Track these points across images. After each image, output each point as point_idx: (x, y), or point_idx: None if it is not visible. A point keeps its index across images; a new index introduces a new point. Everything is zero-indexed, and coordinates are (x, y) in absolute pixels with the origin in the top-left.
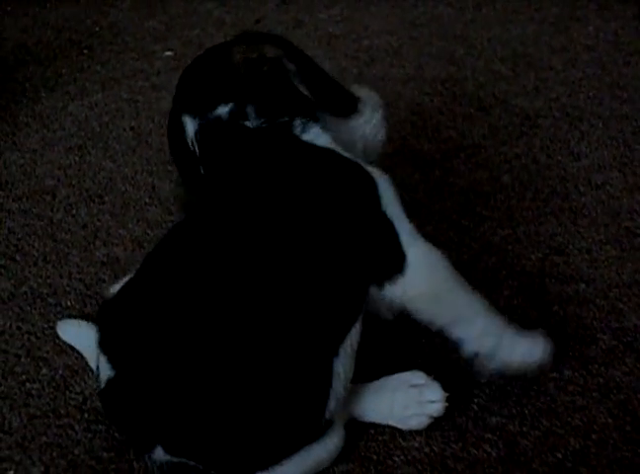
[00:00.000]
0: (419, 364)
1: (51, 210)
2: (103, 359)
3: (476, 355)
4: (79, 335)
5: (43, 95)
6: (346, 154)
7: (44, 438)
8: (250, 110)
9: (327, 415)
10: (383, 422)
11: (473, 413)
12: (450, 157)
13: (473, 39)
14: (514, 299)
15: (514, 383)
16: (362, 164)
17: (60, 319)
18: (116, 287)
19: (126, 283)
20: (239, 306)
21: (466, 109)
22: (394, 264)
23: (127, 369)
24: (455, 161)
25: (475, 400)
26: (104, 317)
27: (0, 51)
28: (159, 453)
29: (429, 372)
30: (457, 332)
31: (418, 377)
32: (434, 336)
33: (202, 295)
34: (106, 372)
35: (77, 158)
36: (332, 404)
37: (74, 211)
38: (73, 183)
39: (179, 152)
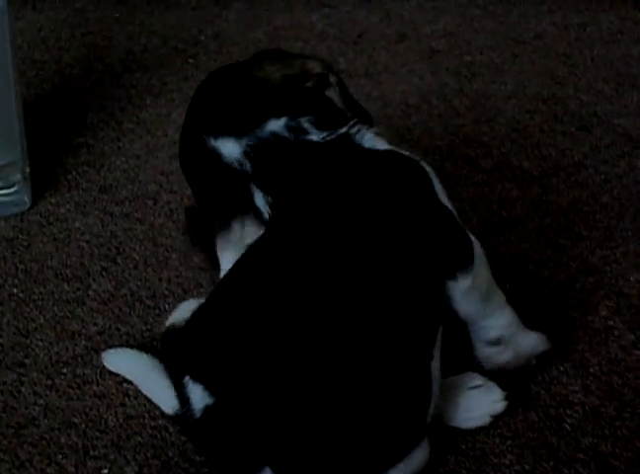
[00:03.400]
0: (468, 367)
1: (153, 215)
2: (197, 388)
3: (498, 341)
4: (129, 364)
5: (148, 102)
6: (404, 152)
7: (139, 439)
8: (307, 123)
9: (428, 419)
10: (446, 423)
11: (565, 432)
12: (550, 175)
13: (576, 58)
14: (610, 320)
15: (607, 404)
16: (417, 158)
17: (113, 346)
18: (176, 317)
19: (203, 306)
20: (336, 319)
21: (567, 127)
22: (465, 254)
23: (231, 395)
24: (555, 179)
25: (567, 420)
26: (182, 346)
27: (107, 58)
28: None
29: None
30: (488, 321)
31: (475, 379)
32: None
33: (294, 312)
34: (202, 401)
35: (179, 165)
36: (432, 407)
37: (175, 217)
38: (175, 189)
39: (207, 177)
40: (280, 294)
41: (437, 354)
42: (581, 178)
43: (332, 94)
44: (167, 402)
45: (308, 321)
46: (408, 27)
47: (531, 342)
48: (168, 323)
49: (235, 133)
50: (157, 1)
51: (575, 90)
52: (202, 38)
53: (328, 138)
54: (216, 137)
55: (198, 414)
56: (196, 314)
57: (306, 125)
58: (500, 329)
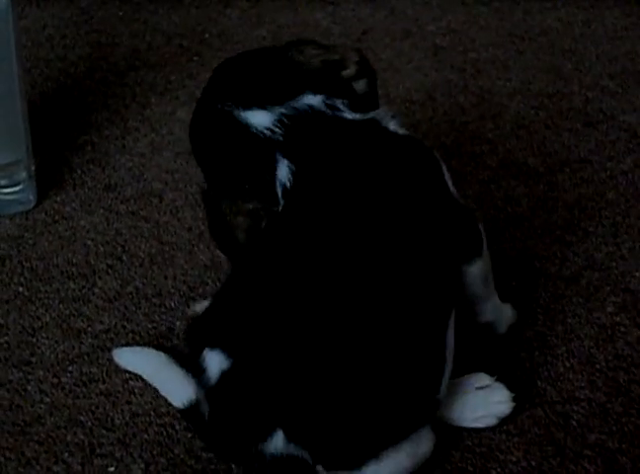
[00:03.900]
0: (479, 367)
1: (158, 213)
2: (213, 355)
3: (489, 323)
4: (140, 361)
5: (153, 100)
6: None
7: (146, 436)
8: (341, 104)
9: (441, 391)
10: (453, 423)
11: (572, 429)
12: (555, 171)
13: (581, 55)
14: (616, 316)
15: (613, 400)
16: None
17: (125, 345)
18: (201, 306)
19: (223, 285)
20: (353, 289)
21: (573, 123)
22: (477, 239)
23: (247, 356)
24: (560, 175)
25: (574, 416)
26: (204, 324)
27: (112, 56)
28: (277, 441)
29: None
30: (484, 305)
31: (483, 379)
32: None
33: (312, 280)
34: (219, 366)
35: (184, 163)
36: (446, 378)
37: (180, 215)
38: (180, 187)
39: (226, 151)
40: (298, 265)
41: (451, 323)
42: (586, 174)
43: (361, 85)
44: (177, 396)
45: (325, 288)
46: (412, 24)
47: (509, 317)
48: (191, 314)
49: (268, 103)
50: None
51: (580, 86)
52: (207, 36)
53: (359, 119)
54: (246, 108)
55: (213, 381)
56: (216, 295)
57: (341, 106)
58: (490, 314)
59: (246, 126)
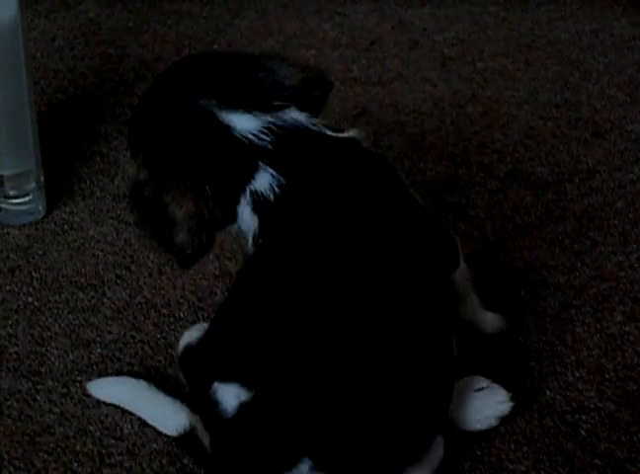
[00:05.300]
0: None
1: None
2: (229, 389)
3: (470, 321)
4: (117, 391)
5: None
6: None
7: (155, 446)
8: (321, 124)
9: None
10: (454, 427)
11: (581, 438)
12: (564, 181)
13: (589, 65)
14: (625, 326)
15: (623, 410)
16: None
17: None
18: (188, 337)
19: (219, 315)
20: (359, 311)
21: (581, 133)
22: (454, 249)
23: (271, 388)
24: (569, 185)
25: (583, 426)
26: (205, 356)
27: (121, 67)
28: (302, 470)
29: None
30: (466, 303)
31: (480, 381)
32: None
33: (323, 306)
34: (235, 400)
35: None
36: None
37: None
38: None
39: (200, 145)
40: (298, 289)
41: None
42: (595, 184)
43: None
44: (168, 424)
45: (333, 309)
46: (420, 34)
47: (491, 322)
48: (182, 344)
49: (254, 108)
50: (170, 10)
51: (588, 96)
52: (215, 46)
53: (341, 136)
54: (229, 109)
55: (230, 413)
56: (213, 324)
57: (322, 126)
58: (472, 312)
59: (226, 127)
